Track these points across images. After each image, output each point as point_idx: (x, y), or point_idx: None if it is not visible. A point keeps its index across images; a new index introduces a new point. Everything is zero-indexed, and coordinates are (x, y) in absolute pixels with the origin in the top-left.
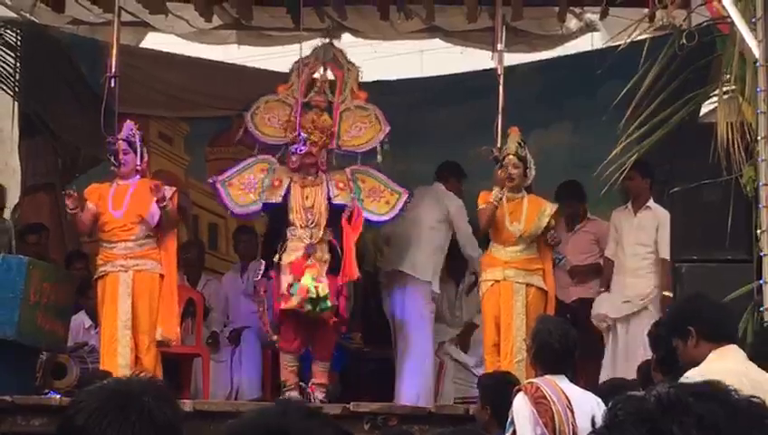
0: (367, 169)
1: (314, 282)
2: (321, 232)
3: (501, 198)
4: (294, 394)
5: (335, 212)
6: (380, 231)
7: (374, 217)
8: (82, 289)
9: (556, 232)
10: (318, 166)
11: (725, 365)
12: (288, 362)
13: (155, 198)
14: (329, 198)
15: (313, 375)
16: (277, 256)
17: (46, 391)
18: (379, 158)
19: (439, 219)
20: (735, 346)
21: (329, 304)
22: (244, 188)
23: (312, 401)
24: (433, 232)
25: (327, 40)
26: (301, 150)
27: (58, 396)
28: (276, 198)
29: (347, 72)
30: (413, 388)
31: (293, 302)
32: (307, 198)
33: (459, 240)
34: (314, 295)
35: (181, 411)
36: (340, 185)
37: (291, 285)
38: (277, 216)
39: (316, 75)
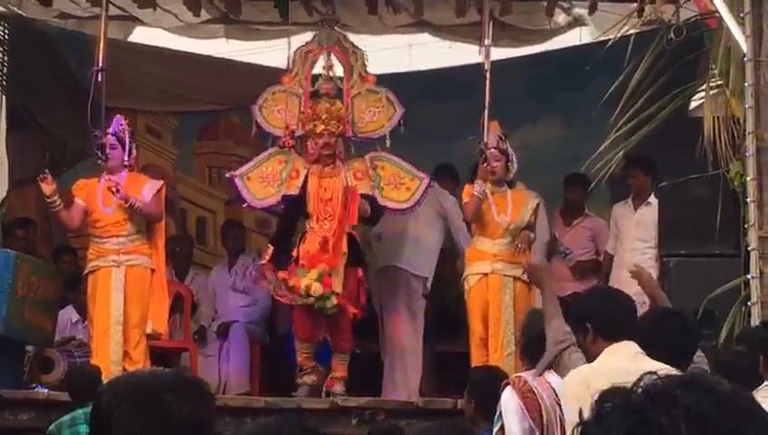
0: (386, 155)
1: (315, 282)
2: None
3: (484, 190)
4: (312, 378)
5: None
6: (371, 227)
7: (394, 205)
8: (70, 283)
9: (519, 241)
10: (336, 155)
11: (615, 362)
12: (303, 349)
13: (119, 199)
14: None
15: (333, 369)
16: (296, 250)
17: (34, 385)
18: (388, 143)
19: (434, 215)
20: (630, 342)
21: (333, 301)
22: (263, 181)
23: (332, 396)
24: (429, 228)
25: (327, 27)
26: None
27: (45, 390)
28: (294, 190)
29: (352, 55)
30: (401, 383)
31: (297, 296)
32: (325, 189)
33: (454, 235)
34: (312, 295)
35: (210, 408)
36: (359, 174)
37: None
38: (294, 208)
39: (320, 62)
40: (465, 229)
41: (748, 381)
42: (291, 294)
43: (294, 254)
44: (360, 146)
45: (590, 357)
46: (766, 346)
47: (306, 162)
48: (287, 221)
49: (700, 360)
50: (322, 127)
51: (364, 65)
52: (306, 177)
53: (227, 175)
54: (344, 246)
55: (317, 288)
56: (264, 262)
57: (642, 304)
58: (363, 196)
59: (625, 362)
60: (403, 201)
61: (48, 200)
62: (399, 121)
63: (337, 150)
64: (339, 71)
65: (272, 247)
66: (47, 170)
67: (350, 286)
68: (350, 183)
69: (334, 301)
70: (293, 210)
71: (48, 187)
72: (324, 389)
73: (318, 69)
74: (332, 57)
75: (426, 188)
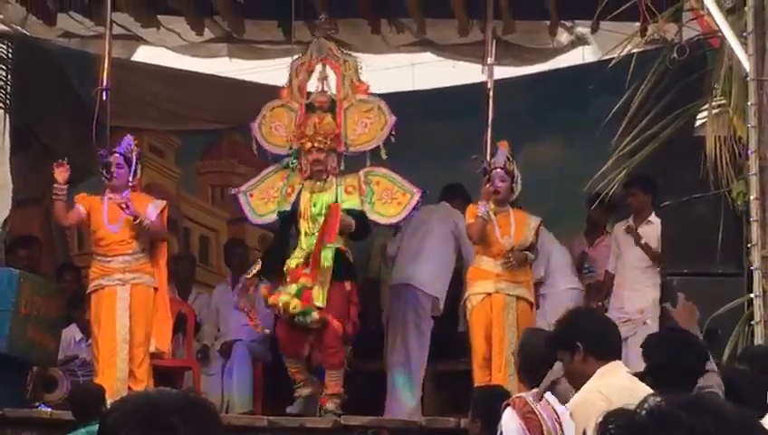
0: (381, 169)
1: (294, 298)
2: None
3: (488, 211)
4: (307, 390)
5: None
6: (387, 247)
7: (383, 221)
8: (74, 302)
9: (514, 257)
10: (328, 171)
11: (618, 381)
12: (291, 365)
13: (128, 214)
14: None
15: (325, 386)
16: (285, 265)
17: (37, 403)
18: (383, 153)
19: (448, 235)
20: (621, 362)
21: (314, 316)
22: (264, 198)
23: (322, 414)
24: (442, 248)
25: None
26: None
27: (48, 409)
28: (287, 206)
29: (344, 64)
30: (405, 401)
31: (279, 309)
32: (315, 204)
33: (465, 256)
34: (290, 312)
35: (217, 429)
36: (350, 189)
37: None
38: (288, 224)
39: (314, 73)
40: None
41: (753, 401)
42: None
43: (285, 269)
44: (354, 159)
45: (577, 377)
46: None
47: (302, 178)
48: (280, 237)
49: (713, 379)
50: (310, 144)
51: (357, 73)
52: (299, 193)
53: (231, 191)
54: (326, 261)
55: (296, 304)
56: (248, 276)
57: (643, 324)
58: (351, 211)
59: (627, 382)
60: (392, 216)
61: (56, 186)
62: (392, 131)
63: (329, 166)
64: (333, 81)
65: (260, 262)
66: (66, 159)
67: (335, 301)
68: (339, 198)
69: (315, 315)
70: (287, 226)
71: (62, 174)
72: (318, 406)
73: (313, 81)
74: (326, 68)
75: (416, 203)
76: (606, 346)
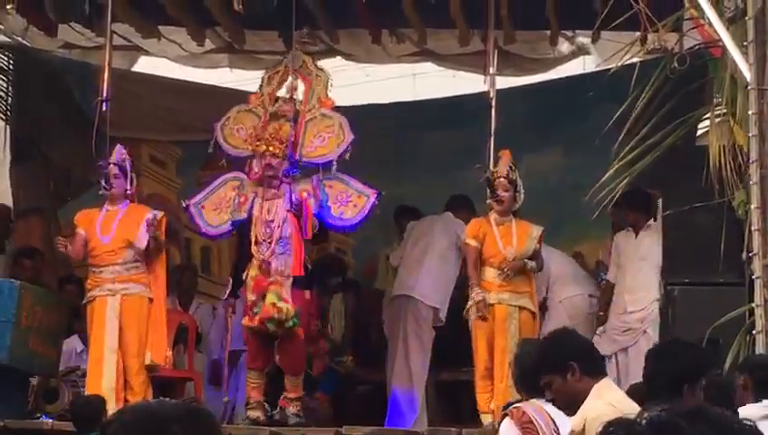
0: (336, 174)
1: (279, 302)
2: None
3: (483, 300)
4: (256, 414)
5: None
6: (391, 258)
7: (340, 223)
8: (77, 312)
9: (508, 267)
10: (280, 178)
11: (620, 395)
12: (252, 379)
13: (146, 226)
14: (289, 209)
15: (286, 389)
16: (245, 274)
17: (38, 414)
18: (334, 169)
19: (449, 246)
20: (609, 378)
21: (296, 321)
22: (217, 208)
23: (283, 417)
24: (444, 259)
25: (300, 49)
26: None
27: (50, 420)
28: (242, 215)
29: (315, 78)
30: (405, 412)
31: (256, 321)
32: (268, 211)
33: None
34: (277, 317)
35: None
36: (304, 194)
37: (254, 304)
38: (245, 233)
39: (285, 84)
40: None
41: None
42: (259, 316)
43: (244, 277)
44: (307, 171)
45: (572, 398)
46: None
47: (255, 186)
48: (241, 249)
49: None
50: (264, 147)
51: (326, 89)
52: (253, 201)
53: (183, 204)
54: (287, 269)
55: (289, 308)
56: (225, 298)
57: (643, 333)
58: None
59: (626, 397)
60: (348, 218)
61: (59, 239)
62: (347, 149)
63: (281, 172)
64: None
65: (231, 279)
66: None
67: (299, 308)
68: (292, 203)
69: (296, 320)
70: (245, 236)
71: (65, 249)
72: (278, 407)
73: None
74: (297, 79)
75: (372, 204)
76: (597, 363)
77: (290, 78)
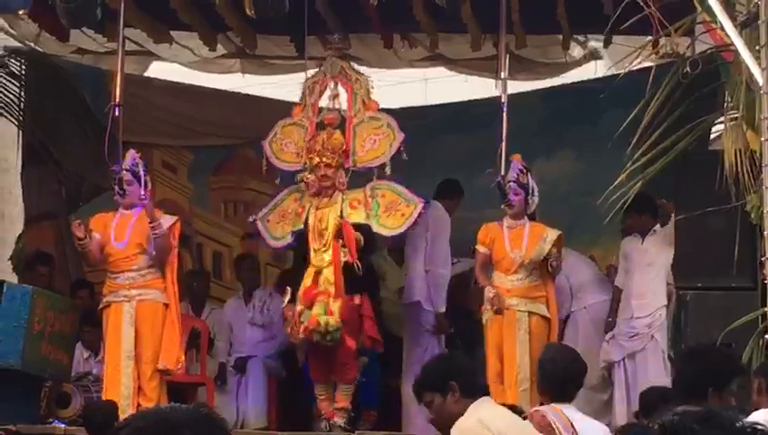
0: (388, 182)
1: (325, 315)
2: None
3: (496, 294)
4: (322, 424)
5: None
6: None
7: (387, 233)
8: (84, 319)
9: (558, 257)
10: (335, 187)
11: (494, 411)
12: (318, 392)
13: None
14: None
15: (335, 399)
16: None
17: (51, 419)
18: (388, 170)
19: (420, 234)
20: (489, 397)
21: (338, 335)
22: (280, 221)
23: (328, 428)
24: (416, 251)
25: (334, 55)
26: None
27: (62, 425)
28: (301, 225)
29: (355, 83)
30: (420, 417)
31: (302, 331)
32: (321, 220)
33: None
34: (323, 329)
35: None
36: (355, 203)
37: (301, 314)
38: (303, 243)
39: (327, 92)
40: (448, 250)
41: None
42: (306, 327)
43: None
44: (361, 175)
45: (447, 417)
46: None
47: (312, 196)
48: (299, 258)
49: None
50: (318, 159)
51: (368, 92)
52: (308, 210)
53: (249, 219)
54: (335, 277)
55: (334, 320)
56: (283, 306)
57: (651, 339)
58: (356, 226)
59: (504, 411)
60: (395, 228)
61: (78, 242)
62: (400, 148)
63: (337, 181)
64: (345, 99)
65: (289, 288)
66: (72, 217)
67: (348, 316)
68: (345, 213)
69: (340, 333)
70: (303, 246)
71: (78, 229)
72: (324, 419)
73: (325, 99)
74: (338, 86)
75: (419, 214)
76: (477, 384)
77: (330, 85)
